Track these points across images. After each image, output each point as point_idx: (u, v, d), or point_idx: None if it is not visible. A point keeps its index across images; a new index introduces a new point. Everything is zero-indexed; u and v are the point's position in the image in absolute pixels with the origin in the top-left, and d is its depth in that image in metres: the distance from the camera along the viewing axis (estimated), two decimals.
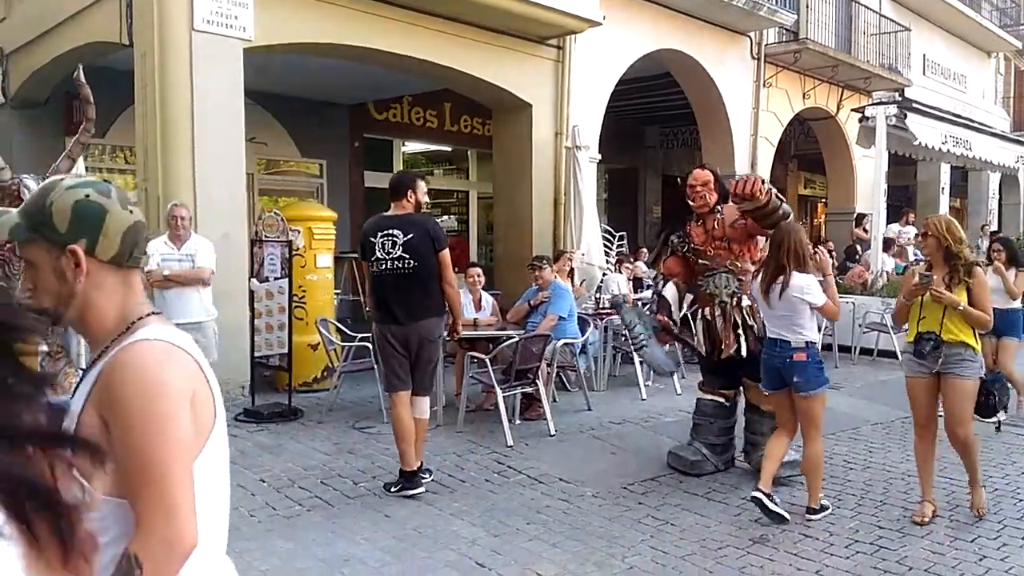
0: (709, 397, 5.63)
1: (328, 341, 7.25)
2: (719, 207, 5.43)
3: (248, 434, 6.29)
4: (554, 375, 7.15)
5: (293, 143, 12.02)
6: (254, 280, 7.24)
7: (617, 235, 11.98)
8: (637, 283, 10.33)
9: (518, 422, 6.67)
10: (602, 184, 13.06)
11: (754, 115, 13.43)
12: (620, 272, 10.11)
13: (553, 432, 6.36)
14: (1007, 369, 6.99)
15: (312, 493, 4.99)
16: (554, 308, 7.19)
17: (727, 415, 5.63)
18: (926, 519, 4.55)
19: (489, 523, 4.55)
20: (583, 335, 7.45)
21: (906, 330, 4.69)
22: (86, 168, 4.67)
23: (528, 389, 6.55)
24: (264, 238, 7.28)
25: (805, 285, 4.62)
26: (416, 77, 10.09)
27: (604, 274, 9.89)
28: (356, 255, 11.27)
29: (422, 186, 5.15)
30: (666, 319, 5.61)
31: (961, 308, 4.38)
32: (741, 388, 5.59)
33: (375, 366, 6.47)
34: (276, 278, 7.17)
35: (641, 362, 7.34)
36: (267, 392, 7.43)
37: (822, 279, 4.80)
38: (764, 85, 13.46)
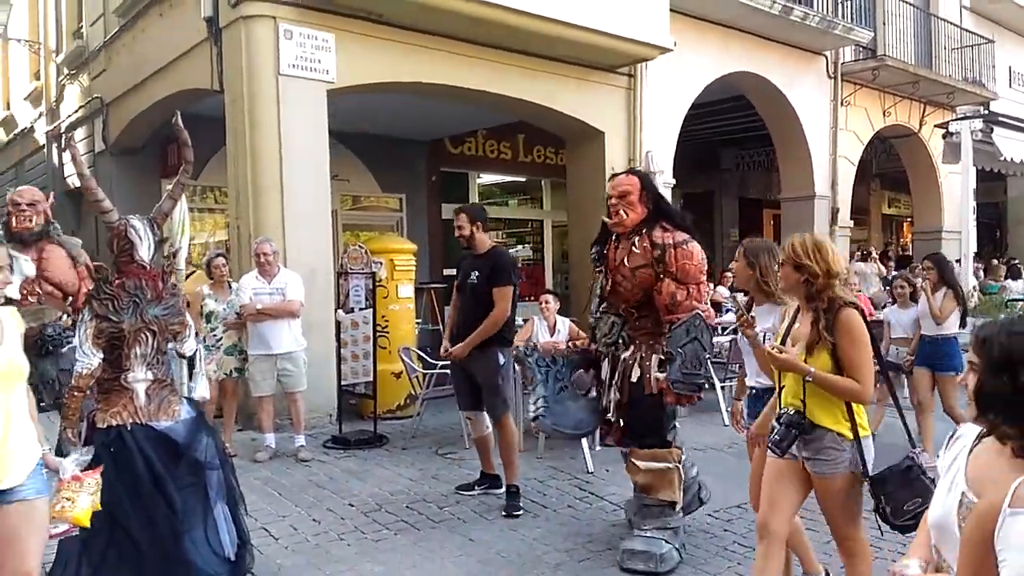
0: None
1: (411, 369, 7.42)
2: (645, 230, 4.12)
3: (336, 460, 6.47)
4: None
5: (374, 179, 12.37)
6: (340, 311, 7.48)
7: None
8: (716, 307, 10.22)
9: (598, 448, 6.65)
10: (678, 208, 13.01)
11: (832, 134, 13.20)
12: None
13: None
14: (954, 413, 6.09)
15: (399, 517, 5.11)
16: None
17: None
18: None
19: (573, 549, 4.57)
20: None
21: None
22: (189, 208, 4.95)
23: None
24: (349, 270, 7.53)
25: None
26: (490, 111, 10.30)
27: None
28: (436, 285, 11.54)
29: (459, 218, 5.32)
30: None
31: (811, 378, 2.92)
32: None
33: None
34: (361, 309, 7.39)
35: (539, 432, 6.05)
36: (353, 419, 7.62)
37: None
38: (842, 104, 13.23)
